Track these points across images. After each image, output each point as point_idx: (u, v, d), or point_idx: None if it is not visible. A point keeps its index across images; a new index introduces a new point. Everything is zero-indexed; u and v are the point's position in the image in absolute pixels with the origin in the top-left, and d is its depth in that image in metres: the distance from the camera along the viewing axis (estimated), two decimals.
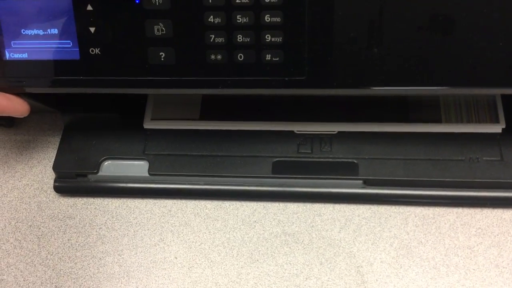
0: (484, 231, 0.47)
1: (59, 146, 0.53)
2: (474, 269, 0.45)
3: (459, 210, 0.48)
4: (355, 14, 0.38)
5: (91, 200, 0.52)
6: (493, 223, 0.47)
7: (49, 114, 0.57)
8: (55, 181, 0.52)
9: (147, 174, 0.50)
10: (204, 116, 0.52)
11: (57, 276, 0.48)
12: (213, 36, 0.40)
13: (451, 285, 0.44)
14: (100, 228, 0.50)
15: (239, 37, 0.40)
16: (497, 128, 0.48)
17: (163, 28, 0.40)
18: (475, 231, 0.47)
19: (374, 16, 0.38)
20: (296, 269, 0.47)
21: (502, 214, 0.47)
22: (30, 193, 0.53)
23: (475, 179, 0.47)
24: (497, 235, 0.46)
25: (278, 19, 0.39)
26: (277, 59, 0.40)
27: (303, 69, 0.40)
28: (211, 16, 0.39)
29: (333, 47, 0.39)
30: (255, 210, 0.50)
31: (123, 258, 0.48)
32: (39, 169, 0.54)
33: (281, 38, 0.39)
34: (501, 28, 0.38)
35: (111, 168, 0.51)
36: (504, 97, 0.50)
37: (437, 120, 0.49)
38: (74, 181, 0.51)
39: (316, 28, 0.39)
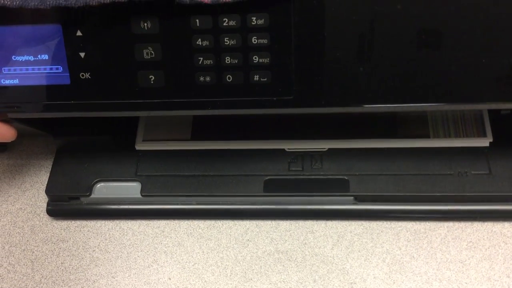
0: (475, 244, 0.47)
1: (51, 169, 0.53)
2: (466, 283, 0.45)
3: (450, 224, 0.48)
4: (341, 34, 0.39)
5: (84, 222, 0.52)
6: (483, 236, 0.47)
7: (41, 138, 0.57)
8: (48, 204, 0.52)
9: (139, 195, 0.51)
10: (196, 136, 0.52)
11: None
12: (201, 58, 0.41)
13: None
14: (94, 250, 0.50)
15: (227, 59, 0.40)
16: (484, 142, 0.49)
17: (152, 52, 0.41)
18: (466, 245, 0.47)
19: (359, 36, 0.39)
20: (289, 287, 0.47)
21: (492, 227, 0.48)
22: (24, 217, 0.53)
23: (465, 193, 0.47)
24: (488, 248, 0.47)
25: (265, 41, 0.40)
26: (265, 79, 0.41)
27: (291, 89, 0.41)
28: (199, 39, 0.40)
29: (320, 66, 0.40)
30: (247, 228, 0.50)
31: (117, 280, 0.48)
32: (32, 193, 0.54)
33: (268, 59, 0.40)
34: (485, 45, 0.39)
35: (103, 190, 0.51)
36: (490, 111, 0.50)
37: (426, 136, 0.50)
38: (67, 204, 0.52)
39: (303, 48, 0.40)
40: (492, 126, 0.49)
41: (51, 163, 0.54)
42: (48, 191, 0.52)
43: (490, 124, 0.49)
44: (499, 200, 0.47)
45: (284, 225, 0.50)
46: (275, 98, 0.41)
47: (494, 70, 0.39)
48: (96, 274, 0.49)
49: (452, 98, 0.41)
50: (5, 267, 0.50)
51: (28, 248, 0.51)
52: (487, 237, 0.47)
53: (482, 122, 0.50)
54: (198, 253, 0.49)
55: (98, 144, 0.53)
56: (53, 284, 0.49)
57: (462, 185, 0.47)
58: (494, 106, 0.45)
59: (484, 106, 0.48)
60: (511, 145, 0.48)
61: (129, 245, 0.50)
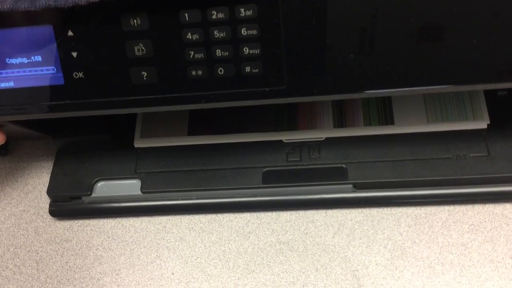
0: (477, 227, 0.47)
1: (52, 170, 0.53)
2: (469, 266, 0.45)
3: (451, 207, 0.48)
4: (330, 21, 0.39)
5: (86, 221, 0.52)
6: (485, 218, 0.47)
7: (41, 140, 0.57)
8: (50, 205, 0.53)
9: (140, 192, 0.51)
10: (193, 131, 0.53)
11: None
12: (192, 52, 0.41)
13: (447, 283, 0.45)
14: (97, 249, 0.51)
15: (218, 51, 0.40)
16: (482, 124, 0.49)
17: (143, 48, 0.41)
18: (468, 228, 0.47)
19: (349, 22, 0.39)
20: (292, 277, 0.47)
21: (494, 209, 0.47)
22: (27, 219, 0.53)
23: (464, 176, 0.47)
24: (490, 230, 0.46)
25: (255, 32, 0.40)
26: (257, 70, 0.41)
27: (283, 79, 0.41)
28: (189, 33, 0.40)
29: (310, 55, 0.40)
30: (248, 221, 0.50)
31: (121, 277, 0.49)
32: (34, 195, 0.55)
33: (258, 50, 0.40)
34: (479, 24, 0.38)
35: (104, 188, 0.52)
36: (487, 92, 0.50)
37: (422, 120, 0.50)
38: (68, 204, 0.52)
39: (292, 38, 0.40)
40: (489, 108, 0.49)
41: (52, 164, 0.54)
42: (49, 192, 0.52)
43: (487, 106, 0.49)
44: (499, 181, 0.47)
45: (285, 215, 0.50)
46: (267, 89, 0.41)
47: (489, 50, 0.39)
48: (100, 272, 0.49)
49: (447, 80, 0.41)
50: (11, 269, 0.51)
51: (33, 249, 0.51)
52: (489, 219, 0.47)
53: (479, 104, 0.49)
54: (200, 247, 0.49)
55: (97, 144, 0.53)
56: (58, 284, 0.49)
57: (461, 168, 0.47)
58: (490, 86, 0.44)
59: (481, 87, 0.47)
60: (509, 126, 0.48)
61: (132, 242, 0.51)
